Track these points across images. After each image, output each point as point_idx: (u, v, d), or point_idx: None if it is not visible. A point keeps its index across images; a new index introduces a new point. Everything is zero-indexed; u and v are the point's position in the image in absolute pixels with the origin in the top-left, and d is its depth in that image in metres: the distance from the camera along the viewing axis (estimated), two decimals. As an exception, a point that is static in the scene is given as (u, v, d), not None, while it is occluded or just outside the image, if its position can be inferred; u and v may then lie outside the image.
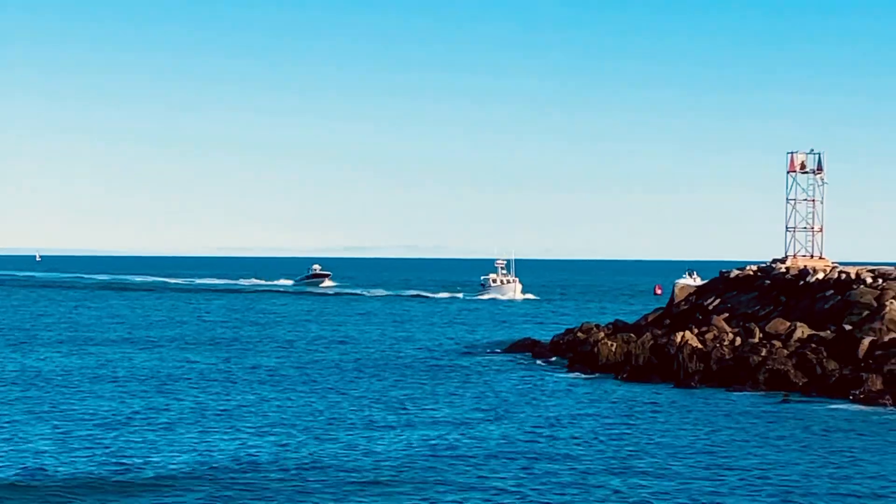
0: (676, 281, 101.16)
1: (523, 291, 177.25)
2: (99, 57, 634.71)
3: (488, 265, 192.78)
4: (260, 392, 60.16)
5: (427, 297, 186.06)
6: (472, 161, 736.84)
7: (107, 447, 43.21)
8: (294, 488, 36.72)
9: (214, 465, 39.95)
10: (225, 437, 45.78)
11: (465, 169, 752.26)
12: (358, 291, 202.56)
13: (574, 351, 77.01)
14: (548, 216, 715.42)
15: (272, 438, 45.58)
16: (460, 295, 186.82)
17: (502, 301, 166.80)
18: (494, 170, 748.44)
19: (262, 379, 66.17)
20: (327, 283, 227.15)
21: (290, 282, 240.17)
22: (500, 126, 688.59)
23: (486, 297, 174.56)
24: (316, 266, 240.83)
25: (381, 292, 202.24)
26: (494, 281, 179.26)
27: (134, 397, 57.40)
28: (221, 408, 54.06)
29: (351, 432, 47.32)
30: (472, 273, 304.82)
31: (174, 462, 40.52)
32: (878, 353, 62.33)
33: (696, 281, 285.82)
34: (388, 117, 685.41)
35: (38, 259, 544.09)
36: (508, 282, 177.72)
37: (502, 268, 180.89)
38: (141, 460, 40.68)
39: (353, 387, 62.82)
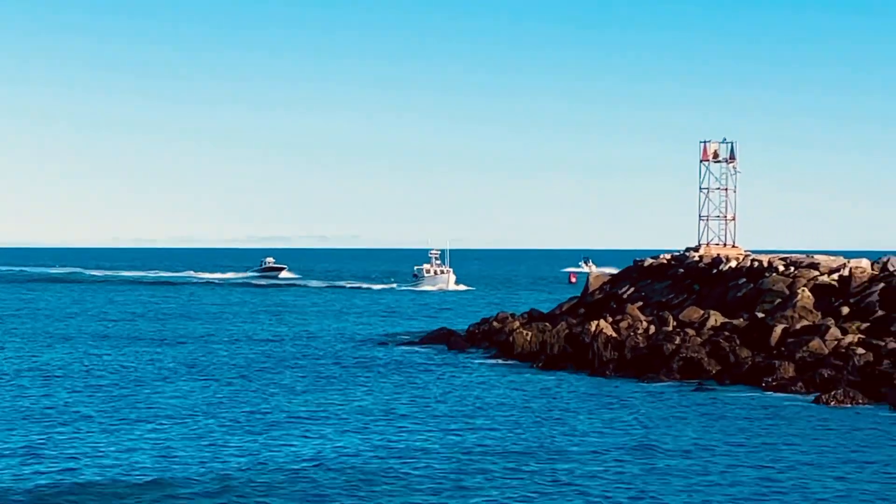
0: (590, 270, 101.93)
1: (457, 282, 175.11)
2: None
3: (407, 255, 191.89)
4: (169, 388, 59.54)
5: (361, 287, 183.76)
6: (386, 149, 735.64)
7: (27, 446, 42.49)
8: (214, 489, 36.29)
9: (131, 467, 39.41)
10: (143, 435, 45.17)
11: (379, 157, 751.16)
12: (304, 283, 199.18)
13: (489, 340, 77.14)
14: (461, 205, 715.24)
15: (185, 433, 45.14)
16: (395, 285, 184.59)
17: (435, 291, 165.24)
18: (409, 158, 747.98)
19: (175, 373, 65.52)
20: (285, 274, 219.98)
21: (231, 274, 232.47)
22: (413, 113, 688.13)
23: (419, 287, 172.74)
24: (269, 259, 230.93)
25: (316, 283, 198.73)
26: (428, 271, 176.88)
27: (59, 393, 56.47)
28: (135, 405, 53.43)
29: (269, 429, 46.95)
30: (388, 263, 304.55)
31: (92, 465, 39.93)
32: (790, 340, 63.01)
33: (591, 269, 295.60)
34: (296, 104, 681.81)
35: None
36: (442, 272, 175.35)
37: (436, 257, 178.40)
38: (57, 461, 40.03)
39: (261, 381, 62.36)
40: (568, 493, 35.49)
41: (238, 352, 77.17)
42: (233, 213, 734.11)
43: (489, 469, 38.58)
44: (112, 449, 41.58)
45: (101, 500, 34.33)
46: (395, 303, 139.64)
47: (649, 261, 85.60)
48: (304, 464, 39.16)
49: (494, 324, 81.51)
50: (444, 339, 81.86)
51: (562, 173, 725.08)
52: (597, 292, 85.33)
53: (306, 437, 44.38)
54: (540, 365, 67.76)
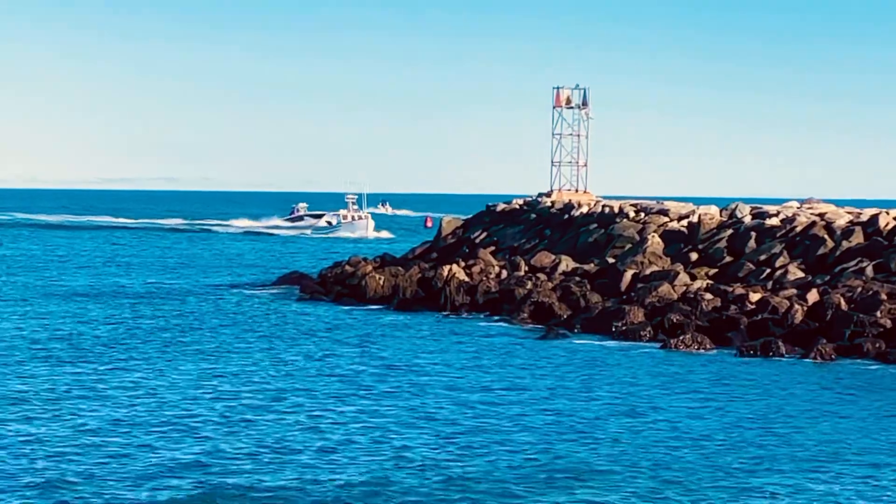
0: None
1: (377, 228, 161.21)
2: None
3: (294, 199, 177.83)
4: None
5: (270, 233, 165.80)
6: (236, 88, 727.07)
7: None
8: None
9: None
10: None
11: (229, 97, 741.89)
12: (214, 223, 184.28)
13: (342, 284, 76.62)
14: (320, 146, 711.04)
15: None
16: (308, 232, 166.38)
17: (352, 238, 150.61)
18: (262, 96, 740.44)
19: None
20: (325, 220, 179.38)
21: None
22: (267, 47, 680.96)
23: (335, 234, 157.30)
24: (302, 204, 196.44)
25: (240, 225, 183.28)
26: (345, 217, 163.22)
27: None
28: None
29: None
30: (248, 207, 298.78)
31: None
32: (640, 286, 63.52)
33: (388, 212, 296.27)
34: (147, 35, 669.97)
35: None
36: (360, 217, 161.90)
37: (353, 202, 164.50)
38: None
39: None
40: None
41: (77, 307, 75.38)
42: (76, 153, 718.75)
43: (347, 406, 38.24)
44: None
45: None
46: (301, 248, 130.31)
47: (502, 206, 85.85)
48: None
49: (347, 267, 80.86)
50: (296, 282, 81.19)
51: (414, 115, 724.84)
52: (449, 237, 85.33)
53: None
54: (393, 309, 67.93)
